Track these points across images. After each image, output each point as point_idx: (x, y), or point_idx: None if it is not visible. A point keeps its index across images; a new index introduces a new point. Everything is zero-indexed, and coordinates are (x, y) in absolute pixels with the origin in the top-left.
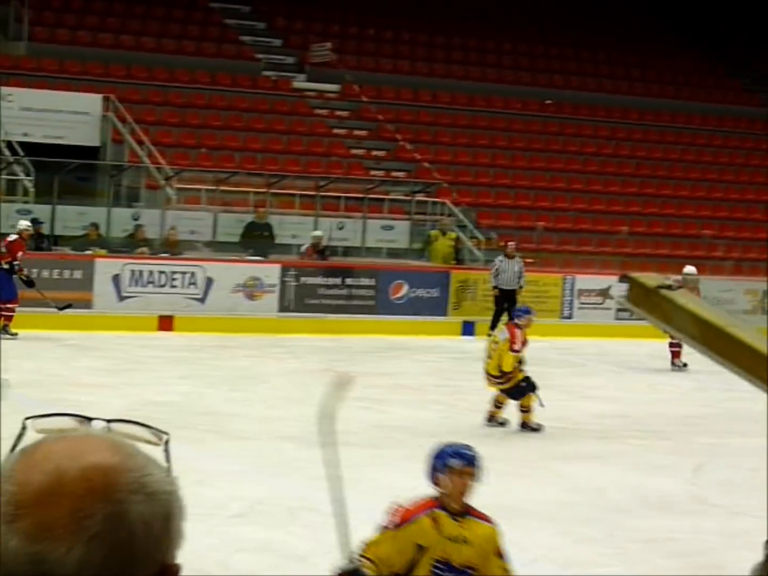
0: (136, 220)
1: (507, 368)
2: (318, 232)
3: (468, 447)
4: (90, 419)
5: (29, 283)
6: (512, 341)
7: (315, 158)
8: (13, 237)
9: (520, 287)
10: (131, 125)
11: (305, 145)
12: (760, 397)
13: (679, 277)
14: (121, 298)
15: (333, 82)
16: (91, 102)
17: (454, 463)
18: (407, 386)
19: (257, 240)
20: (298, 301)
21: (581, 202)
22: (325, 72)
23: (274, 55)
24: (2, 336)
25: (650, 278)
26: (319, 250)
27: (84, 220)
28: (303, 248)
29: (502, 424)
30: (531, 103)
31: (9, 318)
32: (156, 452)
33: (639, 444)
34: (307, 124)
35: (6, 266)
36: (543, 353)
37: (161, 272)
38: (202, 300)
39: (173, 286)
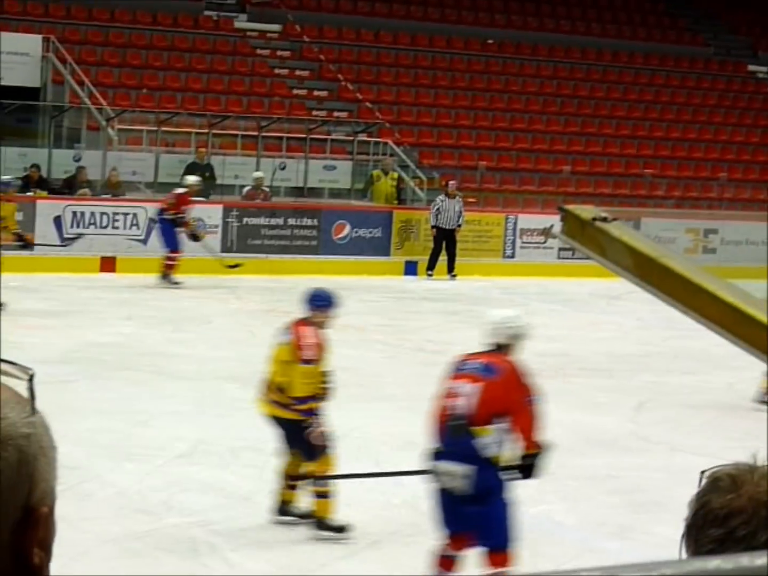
0: (77, 161)
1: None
2: (260, 173)
3: None
4: None
5: (194, 237)
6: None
7: (257, 98)
8: (181, 190)
9: (459, 226)
10: (71, 66)
11: (247, 85)
12: (700, 335)
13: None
14: (63, 240)
15: (275, 22)
16: (30, 42)
17: None
18: (350, 326)
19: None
20: (241, 241)
21: (523, 142)
22: (266, 12)
23: None
24: (166, 284)
25: (586, 210)
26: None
27: (25, 162)
28: (245, 189)
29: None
30: (473, 43)
31: (171, 267)
32: (21, 389)
33: (581, 382)
34: (248, 65)
35: (170, 217)
36: (486, 292)
37: (103, 213)
38: (144, 241)
39: (115, 228)
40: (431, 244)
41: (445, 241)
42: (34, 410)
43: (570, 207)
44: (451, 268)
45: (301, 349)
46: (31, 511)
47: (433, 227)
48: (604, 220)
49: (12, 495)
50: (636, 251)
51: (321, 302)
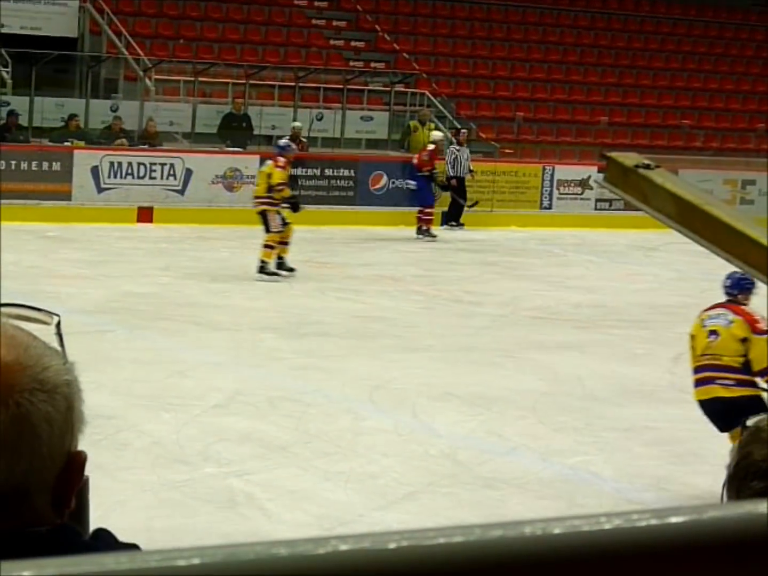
0: (114, 111)
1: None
2: (297, 123)
3: None
4: None
5: (446, 188)
6: (753, 320)
7: (294, 49)
8: (431, 147)
9: (471, 172)
10: (109, 16)
11: (284, 36)
12: None
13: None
14: (100, 190)
15: None
16: None
17: None
18: (387, 277)
19: (235, 131)
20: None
21: (561, 93)
22: None
23: None
24: (423, 238)
25: (629, 157)
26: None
27: (62, 112)
28: (282, 139)
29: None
30: None
31: (428, 222)
32: (49, 335)
33: (618, 333)
34: (285, 15)
35: (426, 174)
36: (523, 243)
37: (140, 164)
38: (181, 192)
39: (152, 178)
40: (469, 194)
41: (456, 190)
42: (65, 356)
43: (613, 154)
44: (458, 217)
45: (758, 323)
46: (73, 457)
47: (451, 178)
48: (648, 167)
49: (61, 442)
50: (679, 198)
51: (749, 284)
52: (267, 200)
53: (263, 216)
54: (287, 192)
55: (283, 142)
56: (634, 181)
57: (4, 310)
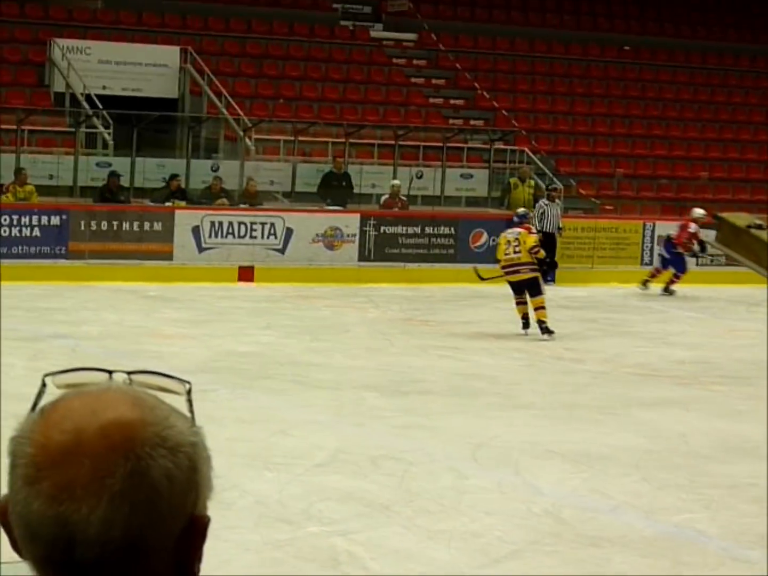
0: (214, 171)
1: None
2: (397, 182)
3: None
4: (110, 372)
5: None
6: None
7: (393, 107)
8: (693, 227)
9: (560, 230)
10: (209, 77)
11: (383, 94)
12: None
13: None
14: (202, 250)
15: (410, 30)
16: (168, 54)
17: None
18: (488, 334)
19: (335, 190)
20: (378, 250)
21: (660, 148)
22: (401, 21)
23: (351, 4)
24: (666, 294)
25: (740, 218)
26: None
27: (163, 173)
28: (383, 198)
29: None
30: (609, 50)
31: (673, 283)
32: (179, 403)
33: (720, 390)
34: (384, 74)
35: (681, 250)
36: (624, 300)
37: (241, 223)
38: (282, 250)
39: (253, 237)
40: (570, 252)
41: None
42: (194, 421)
43: (725, 215)
44: (551, 275)
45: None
46: (196, 520)
47: (538, 232)
48: (759, 227)
49: (182, 501)
50: None
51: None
52: (531, 265)
53: (533, 281)
54: (542, 254)
55: (521, 211)
56: (745, 240)
57: (135, 378)
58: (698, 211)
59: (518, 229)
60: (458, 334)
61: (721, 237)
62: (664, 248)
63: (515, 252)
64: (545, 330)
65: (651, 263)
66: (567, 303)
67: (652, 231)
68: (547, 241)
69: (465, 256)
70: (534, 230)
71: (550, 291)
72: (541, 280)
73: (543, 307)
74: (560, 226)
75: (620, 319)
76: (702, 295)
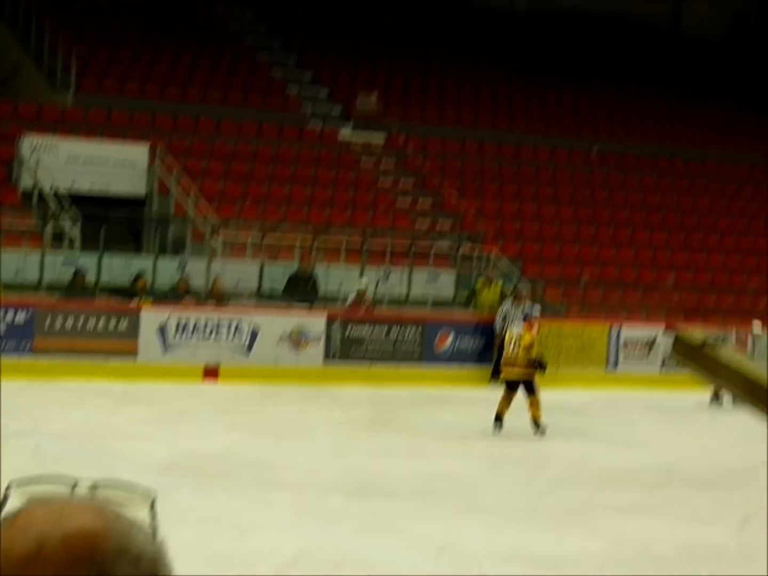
0: (181, 270)
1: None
2: (363, 283)
3: None
4: (75, 481)
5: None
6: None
7: (361, 209)
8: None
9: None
10: (178, 175)
11: (351, 195)
12: None
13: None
14: (167, 348)
15: (379, 131)
16: (137, 152)
17: None
18: (452, 436)
19: (302, 290)
20: (344, 351)
21: (627, 253)
22: (370, 122)
23: (320, 105)
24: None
25: (695, 334)
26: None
27: (130, 270)
28: (349, 299)
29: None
30: (577, 154)
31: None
32: (143, 513)
33: (685, 495)
34: (352, 175)
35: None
36: (589, 404)
37: (207, 322)
38: (247, 350)
39: (219, 336)
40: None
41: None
42: (157, 531)
43: (680, 332)
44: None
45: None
46: None
47: (499, 331)
48: (714, 344)
49: None
50: (745, 376)
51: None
52: (529, 363)
53: (528, 379)
54: (534, 353)
55: (529, 307)
56: (701, 357)
57: (98, 488)
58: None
59: (522, 326)
60: (423, 435)
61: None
62: None
63: (514, 349)
64: (539, 428)
65: (616, 367)
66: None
67: (618, 335)
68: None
69: (431, 358)
70: (535, 328)
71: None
72: (536, 379)
73: (537, 406)
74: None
75: (585, 422)
76: (667, 400)
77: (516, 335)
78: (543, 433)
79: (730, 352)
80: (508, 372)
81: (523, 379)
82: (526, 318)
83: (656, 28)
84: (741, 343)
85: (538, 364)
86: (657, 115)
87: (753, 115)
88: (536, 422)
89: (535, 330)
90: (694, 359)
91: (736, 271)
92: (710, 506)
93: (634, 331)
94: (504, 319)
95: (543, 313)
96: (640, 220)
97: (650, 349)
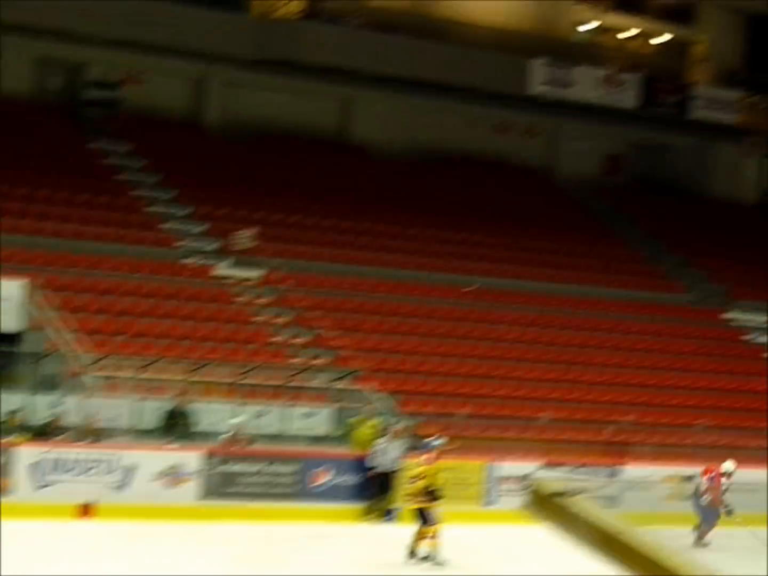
0: (56, 407)
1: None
2: (238, 420)
3: None
4: None
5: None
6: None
7: (237, 345)
8: (724, 480)
9: (397, 468)
10: (52, 311)
11: (227, 331)
12: None
13: None
14: (40, 486)
15: (256, 268)
16: (12, 288)
17: None
18: (328, 572)
19: (178, 427)
20: (220, 487)
21: (505, 388)
22: (247, 258)
23: (196, 242)
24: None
25: (548, 485)
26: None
27: (4, 407)
28: (225, 436)
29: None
30: (453, 290)
31: (705, 534)
32: None
33: None
34: (229, 311)
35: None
36: (464, 540)
37: (81, 459)
38: (122, 487)
39: (93, 474)
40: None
41: (382, 483)
42: None
43: (536, 483)
44: (388, 512)
45: None
46: None
47: (372, 468)
48: (565, 495)
49: None
50: (594, 526)
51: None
52: (421, 495)
53: (419, 510)
54: (419, 485)
55: (427, 440)
56: (552, 508)
57: None
58: (727, 465)
59: (419, 457)
60: (298, 572)
61: (530, 503)
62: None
63: (411, 481)
64: (424, 559)
65: (492, 503)
66: (406, 541)
67: (494, 471)
68: (386, 479)
69: (307, 494)
70: (427, 459)
71: (391, 530)
72: (428, 511)
73: (425, 537)
74: (398, 465)
75: (458, 559)
76: (545, 535)
77: (410, 466)
78: (432, 563)
79: (580, 505)
80: (408, 504)
81: (417, 508)
82: (424, 449)
83: (532, 168)
84: (713, 488)
85: (432, 494)
86: (531, 251)
87: (624, 250)
88: (418, 553)
89: (430, 461)
90: (546, 510)
91: (614, 406)
92: None
93: (511, 467)
94: (381, 454)
95: (417, 450)
96: (517, 355)
97: (524, 486)
